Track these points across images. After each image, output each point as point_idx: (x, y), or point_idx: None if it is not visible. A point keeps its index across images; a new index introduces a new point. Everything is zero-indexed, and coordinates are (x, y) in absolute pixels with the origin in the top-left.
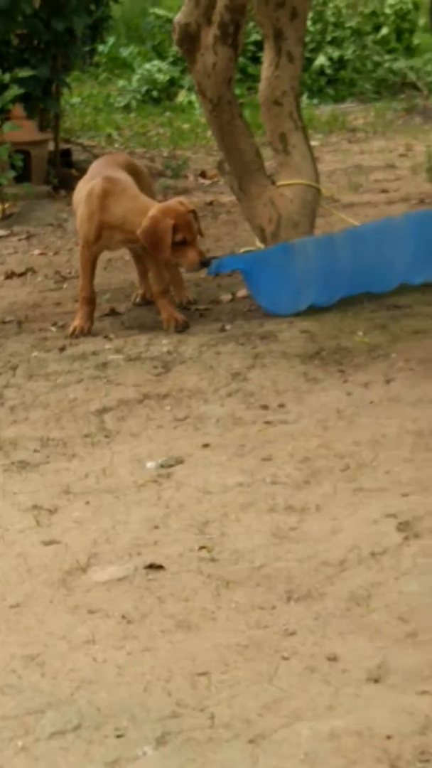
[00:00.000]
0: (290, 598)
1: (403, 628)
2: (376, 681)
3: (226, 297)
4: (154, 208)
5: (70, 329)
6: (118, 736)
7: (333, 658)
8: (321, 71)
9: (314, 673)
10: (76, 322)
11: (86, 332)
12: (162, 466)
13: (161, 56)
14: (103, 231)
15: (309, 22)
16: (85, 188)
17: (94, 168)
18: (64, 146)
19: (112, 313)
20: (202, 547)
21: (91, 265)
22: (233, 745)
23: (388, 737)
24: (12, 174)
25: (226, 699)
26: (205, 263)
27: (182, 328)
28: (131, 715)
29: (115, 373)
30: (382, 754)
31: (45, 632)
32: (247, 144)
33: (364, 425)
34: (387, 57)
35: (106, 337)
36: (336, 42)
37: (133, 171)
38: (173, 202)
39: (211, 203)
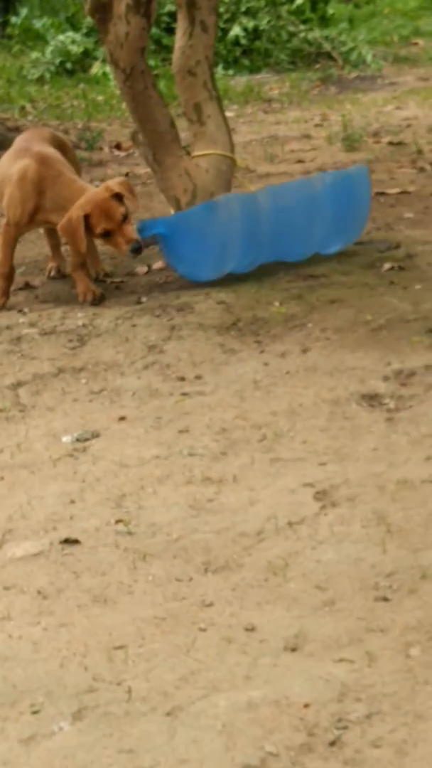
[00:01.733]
0: (207, 570)
1: (320, 596)
2: (293, 650)
3: (141, 269)
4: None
5: None
6: (34, 713)
7: (250, 629)
8: (236, 42)
9: (231, 643)
10: None
11: (1, 307)
12: (78, 440)
13: (75, 28)
14: (36, 215)
15: None
16: (14, 166)
17: (21, 143)
18: None
19: (27, 286)
20: (118, 521)
21: (14, 243)
22: (150, 719)
23: (306, 706)
24: None
25: (143, 672)
26: (134, 250)
27: (98, 301)
28: (47, 690)
29: (29, 347)
30: (300, 723)
31: None
32: (161, 114)
33: (281, 395)
34: (302, 27)
35: (20, 311)
36: (251, 12)
37: (59, 145)
38: (100, 188)
39: (126, 175)
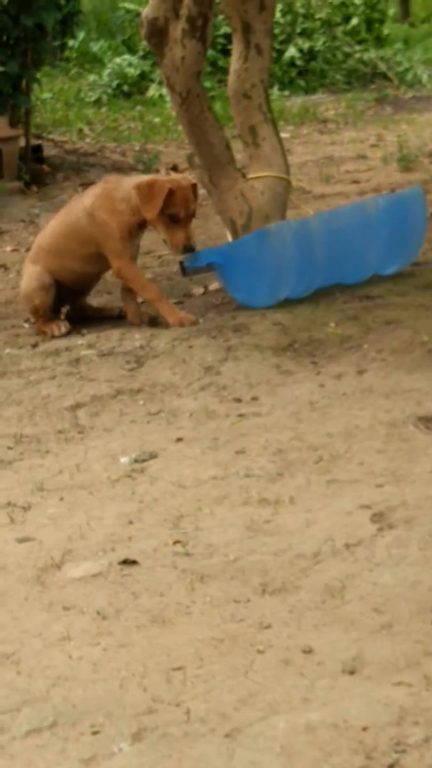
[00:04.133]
0: (265, 591)
1: (377, 619)
2: (351, 673)
3: (198, 290)
4: None
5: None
6: (94, 733)
7: (308, 651)
8: (291, 63)
9: (289, 665)
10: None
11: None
12: (136, 460)
13: (132, 50)
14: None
15: (278, 14)
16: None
17: None
18: (35, 142)
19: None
20: (176, 542)
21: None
22: (209, 740)
23: (364, 729)
24: None
25: (202, 693)
26: (188, 248)
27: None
28: (107, 711)
29: (88, 369)
30: (358, 746)
31: (20, 630)
32: (217, 137)
33: (337, 417)
34: (357, 48)
35: (78, 332)
36: (306, 33)
37: None
38: (178, 176)
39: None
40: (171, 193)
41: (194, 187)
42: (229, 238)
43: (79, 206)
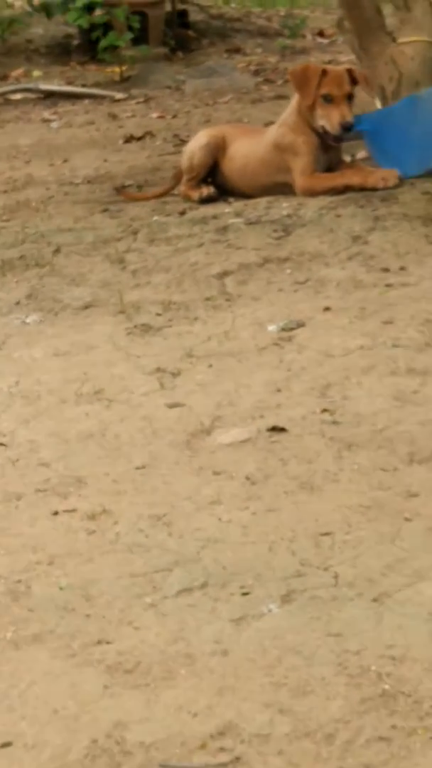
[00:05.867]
0: (412, 461)
1: None
2: None
3: (345, 158)
4: None
5: None
6: (244, 594)
7: None
8: None
9: None
10: None
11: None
12: (283, 329)
13: None
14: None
15: None
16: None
17: None
18: (180, 7)
19: None
20: (324, 410)
21: None
22: (357, 604)
23: None
24: (129, 36)
25: (350, 559)
26: (346, 126)
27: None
28: (256, 573)
29: (235, 237)
30: None
31: (171, 493)
32: (368, 1)
33: None
34: None
35: (225, 200)
36: None
37: None
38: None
39: (329, 62)
40: (324, 73)
41: (350, 71)
42: (378, 105)
43: None
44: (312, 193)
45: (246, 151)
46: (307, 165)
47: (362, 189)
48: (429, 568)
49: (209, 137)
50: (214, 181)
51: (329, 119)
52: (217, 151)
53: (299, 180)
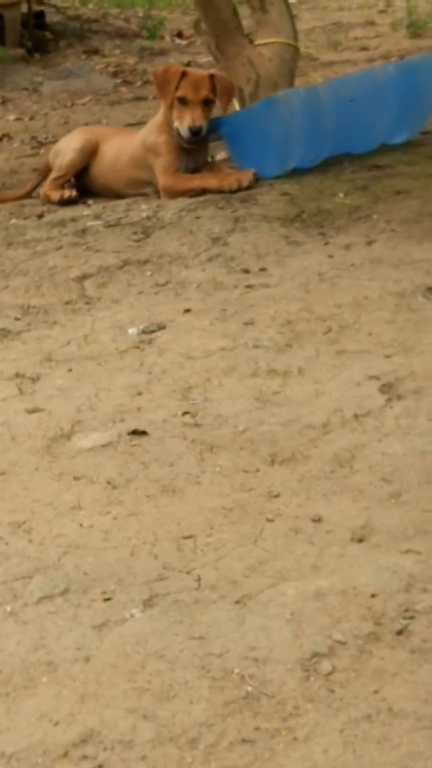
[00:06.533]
0: (274, 461)
1: (386, 488)
2: (360, 541)
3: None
4: None
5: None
6: (106, 600)
7: (317, 519)
8: None
9: (299, 534)
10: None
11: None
12: (144, 332)
13: None
14: None
15: None
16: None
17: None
18: (37, 8)
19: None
20: (185, 413)
21: None
22: (220, 606)
23: (373, 596)
24: None
25: (212, 561)
26: (194, 131)
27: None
28: (118, 578)
29: (94, 240)
30: (367, 612)
31: (31, 499)
32: (224, 2)
33: (346, 287)
34: None
35: (84, 202)
36: None
37: None
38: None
39: (188, 64)
40: (184, 75)
41: (212, 77)
42: (236, 106)
43: None
44: (172, 193)
45: (117, 149)
46: (168, 165)
47: (219, 191)
48: (291, 568)
49: (83, 140)
50: (80, 182)
51: (181, 122)
52: (90, 154)
53: (161, 179)
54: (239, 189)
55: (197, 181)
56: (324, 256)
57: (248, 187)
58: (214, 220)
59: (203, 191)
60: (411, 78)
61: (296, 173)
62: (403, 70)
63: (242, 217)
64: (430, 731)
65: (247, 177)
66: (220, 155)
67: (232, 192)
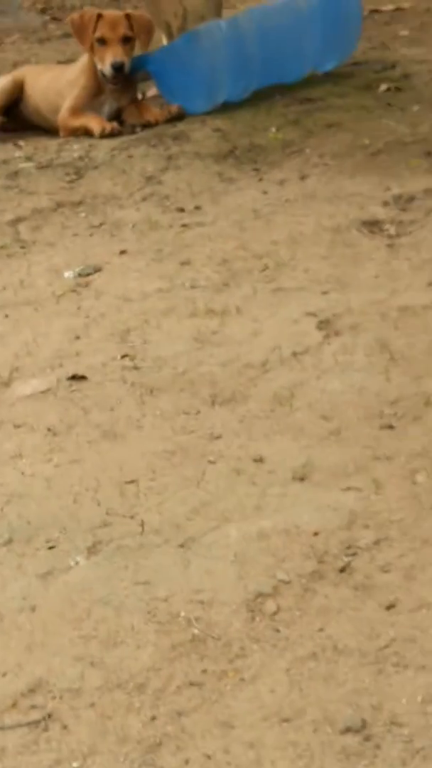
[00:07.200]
0: (214, 402)
1: (326, 426)
2: (301, 480)
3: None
4: None
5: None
6: (50, 548)
7: (259, 460)
8: None
9: (241, 475)
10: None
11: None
12: (80, 275)
13: None
14: None
15: None
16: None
17: None
18: None
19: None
20: (124, 356)
21: None
22: (164, 550)
23: (315, 534)
24: None
25: (155, 505)
26: (116, 66)
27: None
28: (62, 526)
29: (26, 182)
30: (310, 550)
31: None
32: None
33: (281, 224)
34: None
35: (15, 144)
36: None
37: None
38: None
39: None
40: (99, 17)
41: (128, 16)
42: (165, 41)
43: None
44: (64, 130)
45: (46, 83)
46: (74, 102)
47: (102, 136)
48: (234, 509)
49: (7, 79)
50: (17, 118)
51: (103, 61)
52: (14, 93)
53: (60, 114)
54: (149, 125)
55: (84, 120)
56: (258, 193)
57: (157, 124)
58: (146, 158)
59: (86, 131)
60: (334, 2)
61: (228, 108)
62: None
63: (175, 155)
64: (375, 667)
65: (162, 115)
66: (151, 92)
67: (150, 126)
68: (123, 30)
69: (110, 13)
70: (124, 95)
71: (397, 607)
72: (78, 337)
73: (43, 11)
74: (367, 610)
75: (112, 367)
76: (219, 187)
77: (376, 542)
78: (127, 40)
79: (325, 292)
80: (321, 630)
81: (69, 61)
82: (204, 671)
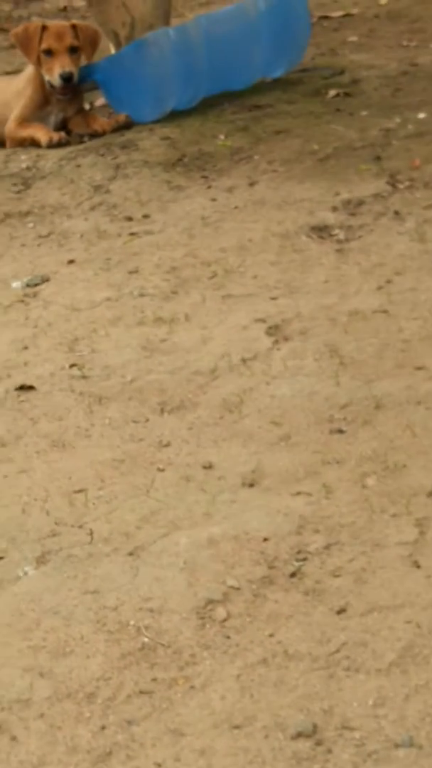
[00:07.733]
0: (163, 410)
1: (275, 431)
2: (251, 486)
3: (85, 107)
4: None
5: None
6: None
7: (208, 466)
8: None
9: (190, 482)
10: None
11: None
12: (28, 285)
13: None
14: None
15: None
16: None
17: None
18: None
19: None
20: (72, 365)
21: None
22: (113, 560)
23: (265, 539)
24: None
25: (104, 514)
26: (65, 76)
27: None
28: (10, 537)
29: None
30: (260, 556)
31: None
32: None
33: (230, 231)
34: None
35: None
36: None
37: None
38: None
39: (64, 9)
40: (44, 29)
41: (74, 26)
42: (113, 51)
43: None
44: (11, 141)
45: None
46: (20, 113)
47: (50, 146)
48: (183, 517)
49: None
50: None
51: (50, 72)
52: None
53: (7, 126)
54: (96, 134)
55: (30, 131)
56: (207, 200)
57: (105, 133)
58: (95, 167)
59: (32, 142)
60: (282, 9)
61: (176, 116)
62: (273, 4)
63: (123, 164)
64: (326, 671)
65: (110, 124)
66: (99, 101)
67: (98, 135)
68: (69, 40)
69: (55, 23)
70: (70, 105)
71: (348, 612)
72: (26, 347)
73: None
74: (317, 614)
75: (60, 377)
76: (167, 195)
77: (327, 547)
78: (74, 50)
79: (274, 298)
80: (271, 636)
81: (17, 72)
82: (154, 679)
